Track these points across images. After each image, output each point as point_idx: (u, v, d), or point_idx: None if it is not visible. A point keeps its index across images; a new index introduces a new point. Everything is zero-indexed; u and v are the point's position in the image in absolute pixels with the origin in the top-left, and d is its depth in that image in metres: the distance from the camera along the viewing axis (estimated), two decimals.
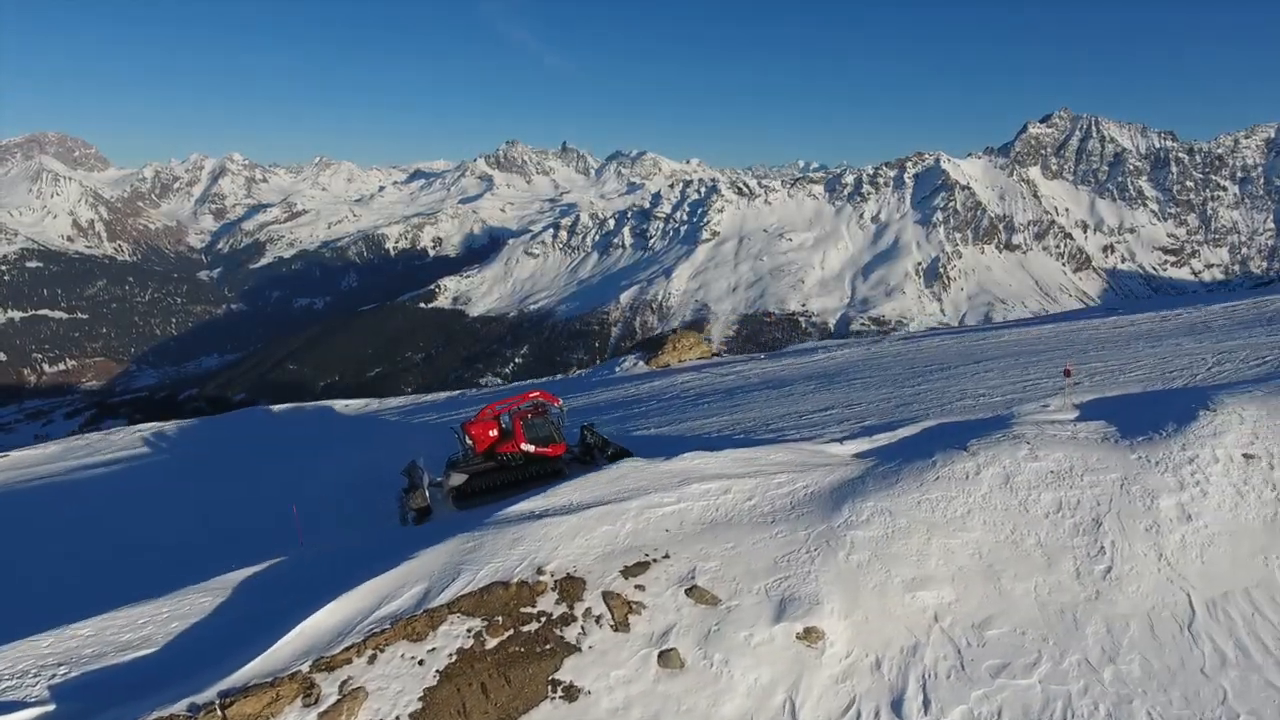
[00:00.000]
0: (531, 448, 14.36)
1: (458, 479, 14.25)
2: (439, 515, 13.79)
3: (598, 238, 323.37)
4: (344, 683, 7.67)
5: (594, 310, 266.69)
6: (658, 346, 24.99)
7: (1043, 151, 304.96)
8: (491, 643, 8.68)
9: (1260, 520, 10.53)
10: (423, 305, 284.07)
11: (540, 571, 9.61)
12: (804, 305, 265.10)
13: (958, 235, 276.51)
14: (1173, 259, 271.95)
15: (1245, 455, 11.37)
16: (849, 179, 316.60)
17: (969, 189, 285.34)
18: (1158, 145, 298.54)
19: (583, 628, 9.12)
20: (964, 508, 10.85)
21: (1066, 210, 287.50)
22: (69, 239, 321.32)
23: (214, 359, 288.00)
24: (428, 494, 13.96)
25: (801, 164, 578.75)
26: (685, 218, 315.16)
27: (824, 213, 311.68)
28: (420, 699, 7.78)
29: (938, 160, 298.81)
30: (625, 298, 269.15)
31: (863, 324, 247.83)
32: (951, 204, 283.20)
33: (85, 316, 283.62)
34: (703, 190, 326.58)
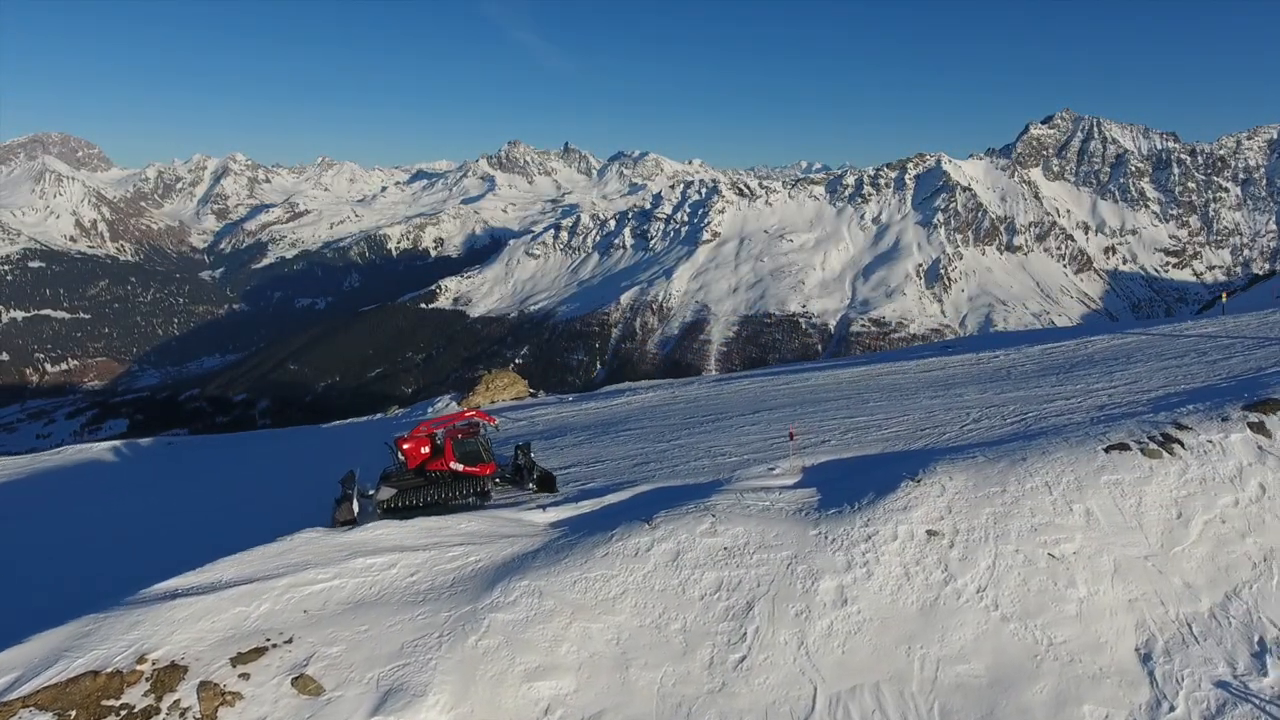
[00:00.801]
0: (460, 466, 14.68)
1: (386, 493, 14.71)
2: (367, 523, 13.80)
3: (599, 238, 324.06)
4: None
5: (594, 311, 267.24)
6: (472, 386, 24.66)
7: (1044, 152, 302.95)
8: None
9: (918, 605, 10.15)
10: (424, 306, 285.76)
11: (141, 659, 9.36)
12: (804, 306, 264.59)
13: (959, 236, 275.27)
14: (1174, 261, 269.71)
15: (929, 531, 10.98)
16: (850, 180, 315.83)
17: (970, 190, 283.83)
18: (1160, 146, 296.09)
19: None
20: (620, 588, 10.53)
21: (1068, 212, 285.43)
22: (72, 239, 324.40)
23: (216, 359, 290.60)
24: (356, 506, 14.14)
25: (804, 165, 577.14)
26: (686, 219, 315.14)
27: (825, 214, 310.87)
28: None
29: (939, 161, 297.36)
30: (626, 299, 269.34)
31: (863, 325, 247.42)
32: (953, 205, 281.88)
33: (88, 316, 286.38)
34: (704, 191, 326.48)
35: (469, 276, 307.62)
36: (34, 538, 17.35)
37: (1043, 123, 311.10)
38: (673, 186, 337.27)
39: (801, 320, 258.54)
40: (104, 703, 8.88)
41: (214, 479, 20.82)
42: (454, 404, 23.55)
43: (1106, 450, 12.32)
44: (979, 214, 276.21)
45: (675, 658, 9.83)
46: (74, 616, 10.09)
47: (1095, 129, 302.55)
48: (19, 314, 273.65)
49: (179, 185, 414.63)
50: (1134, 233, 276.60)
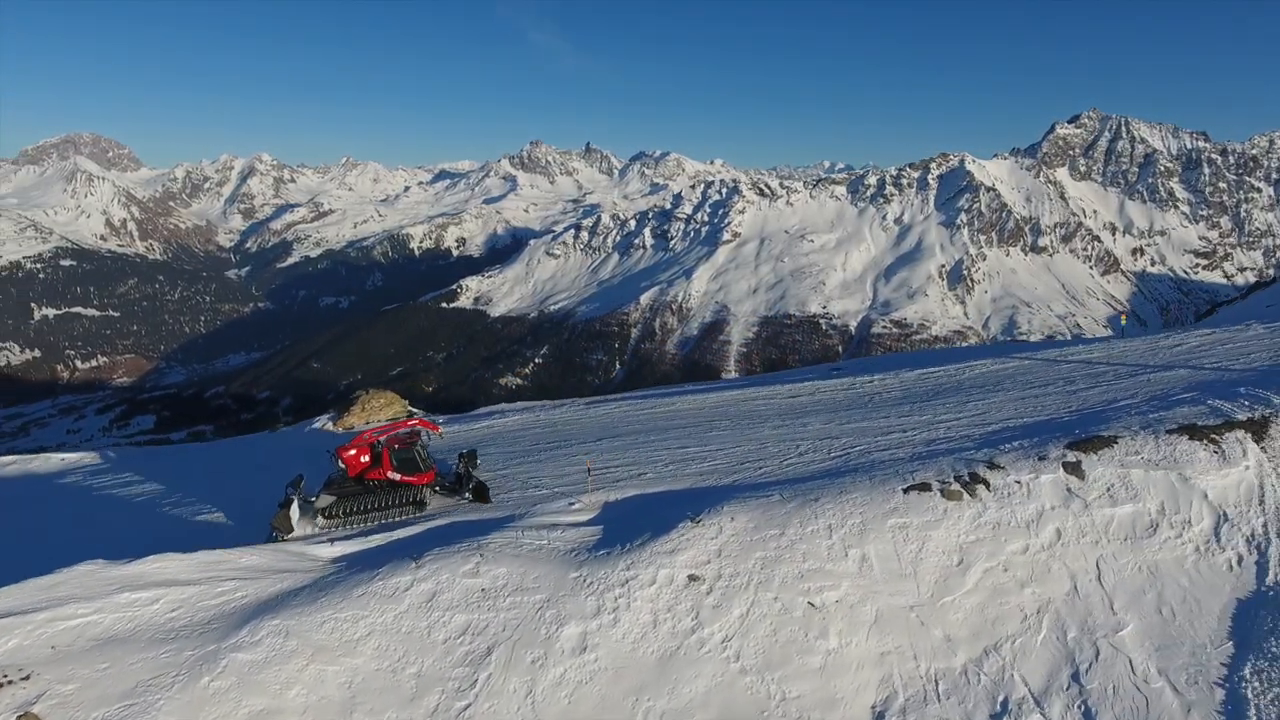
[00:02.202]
0: (397, 475, 15.00)
1: (325, 500, 15.06)
2: (303, 530, 14.75)
3: (619, 238, 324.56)
4: None
5: (614, 311, 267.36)
6: (349, 406, 24.59)
7: (1071, 152, 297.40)
8: None
9: (658, 655, 9.93)
10: (445, 305, 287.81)
11: None
12: (825, 308, 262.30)
13: (982, 237, 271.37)
14: (1204, 262, 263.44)
15: (691, 576, 10.75)
16: (872, 180, 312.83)
17: (994, 190, 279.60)
18: (1189, 146, 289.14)
19: None
20: (367, 629, 10.44)
21: (1095, 212, 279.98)
22: (102, 238, 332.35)
23: (241, 357, 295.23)
24: (296, 514, 14.54)
25: (826, 165, 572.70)
26: (706, 219, 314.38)
27: (846, 214, 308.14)
28: None
29: (962, 161, 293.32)
30: (645, 299, 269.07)
31: (884, 327, 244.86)
32: (976, 205, 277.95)
33: (116, 314, 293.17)
34: (724, 191, 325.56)
35: (490, 276, 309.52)
36: None
37: (1069, 122, 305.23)
38: (693, 186, 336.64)
39: (822, 321, 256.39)
40: None
41: (123, 496, 21.08)
42: (330, 424, 23.52)
43: (906, 491, 11.98)
44: (1003, 214, 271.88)
45: (402, 704, 9.72)
46: None
47: (1123, 128, 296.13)
48: (50, 311, 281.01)
49: (206, 185, 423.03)
50: (1163, 234, 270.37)
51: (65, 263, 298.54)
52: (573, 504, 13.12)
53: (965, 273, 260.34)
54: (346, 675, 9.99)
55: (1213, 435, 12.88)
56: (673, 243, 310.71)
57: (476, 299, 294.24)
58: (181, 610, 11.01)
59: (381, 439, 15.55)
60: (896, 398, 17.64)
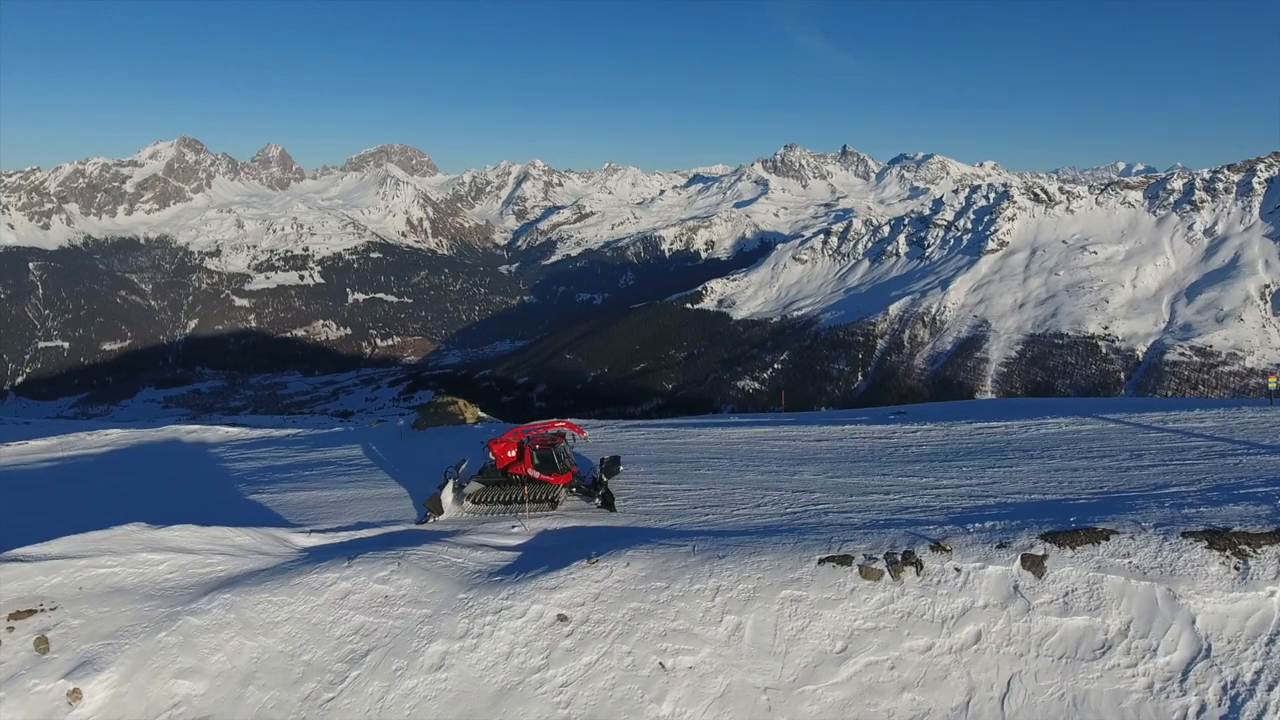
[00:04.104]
0: (536, 473, 16.03)
1: (474, 487, 16.65)
2: (452, 514, 16.27)
3: (870, 245, 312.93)
4: None
5: (860, 320, 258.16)
6: (427, 408, 26.20)
7: None
8: None
9: (499, 687, 10.28)
10: (689, 306, 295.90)
11: None
12: (1106, 328, 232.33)
13: None
14: None
15: (560, 616, 10.91)
16: (1177, 184, 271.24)
17: None
18: None
19: None
20: (287, 615, 11.91)
21: None
22: (402, 234, 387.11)
23: (507, 344, 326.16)
24: (449, 498, 16.19)
25: (1121, 166, 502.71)
26: (969, 226, 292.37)
27: (1140, 223, 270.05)
28: None
29: None
30: (895, 309, 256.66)
31: (1182, 354, 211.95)
32: None
33: (410, 301, 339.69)
34: (992, 196, 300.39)
35: (734, 279, 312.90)
36: (68, 490, 22.75)
37: None
38: (956, 191, 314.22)
39: (1101, 344, 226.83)
40: None
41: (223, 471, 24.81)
42: (407, 426, 25.72)
43: (821, 561, 11.01)
44: None
45: (288, 685, 11.01)
46: None
47: None
48: (360, 296, 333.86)
49: (488, 189, 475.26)
50: None
51: (374, 255, 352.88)
52: (514, 527, 13.66)
53: None
54: (257, 652, 11.51)
55: (1245, 545, 10.22)
56: (929, 251, 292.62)
57: (720, 301, 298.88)
58: (176, 574, 13.30)
59: (527, 437, 16.55)
60: (921, 453, 15.77)
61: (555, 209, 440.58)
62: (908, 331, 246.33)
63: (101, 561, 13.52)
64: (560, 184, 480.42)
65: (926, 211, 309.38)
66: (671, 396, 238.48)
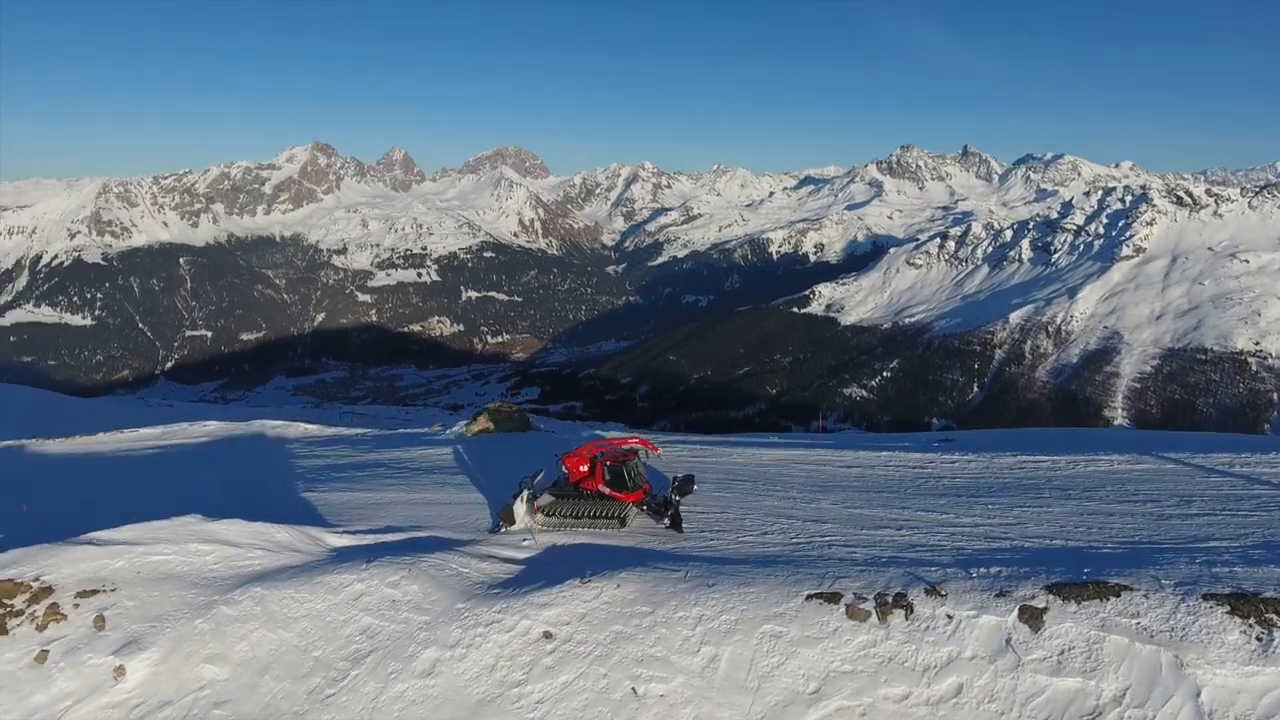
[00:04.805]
0: (606, 489, 15.95)
1: (546, 499, 16.63)
2: (523, 524, 16.31)
3: (990, 250, 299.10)
4: None
5: (976, 329, 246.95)
6: (478, 415, 26.62)
7: None
8: None
9: (479, 698, 10.66)
10: (795, 310, 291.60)
11: (36, 579, 14.22)
12: (1258, 344, 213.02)
13: None
14: None
15: (546, 633, 11.19)
16: None
17: None
18: None
19: (15, 621, 13.54)
20: (305, 611, 12.73)
21: None
22: (514, 235, 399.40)
23: (612, 344, 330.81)
24: (522, 509, 16.22)
25: None
26: (1101, 230, 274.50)
27: None
28: None
29: None
30: (1015, 318, 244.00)
31: None
32: None
33: (519, 299, 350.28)
34: (1128, 199, 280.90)
35: (844, 283, 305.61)
36: (153, 478, 24.82)
37: None
38: (1087, 193, 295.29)
39: (1252, 360, 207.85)
40: (2, 600, 13.85)
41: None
42: (464, 428, 26.41)
43: (809, 597, 10.78)
44: None
45: (298, 678, 11.78)
46: (77, 534, 15.47)
47: None
48: (473, 294, 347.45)
49: (597, 190, 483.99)
50: None
51: (487, 254, 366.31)
52: (524, 541, 14.01)
53: None
54: (275, 644, 12.36)
55: (1273, 614, 9.24)
56: (1055, 256, 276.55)
57: (828, 306, 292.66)
58: (220, 565, 14.43)
59: (600, 451, 16.43)
60: (951, 487, 14.93)
61: (663, 210, 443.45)
62: (1029, 342, 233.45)
63: (158, 549, 14.83)
64: (668, 186, 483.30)
65: (1054, 215, 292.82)
66: (775, 402, 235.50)
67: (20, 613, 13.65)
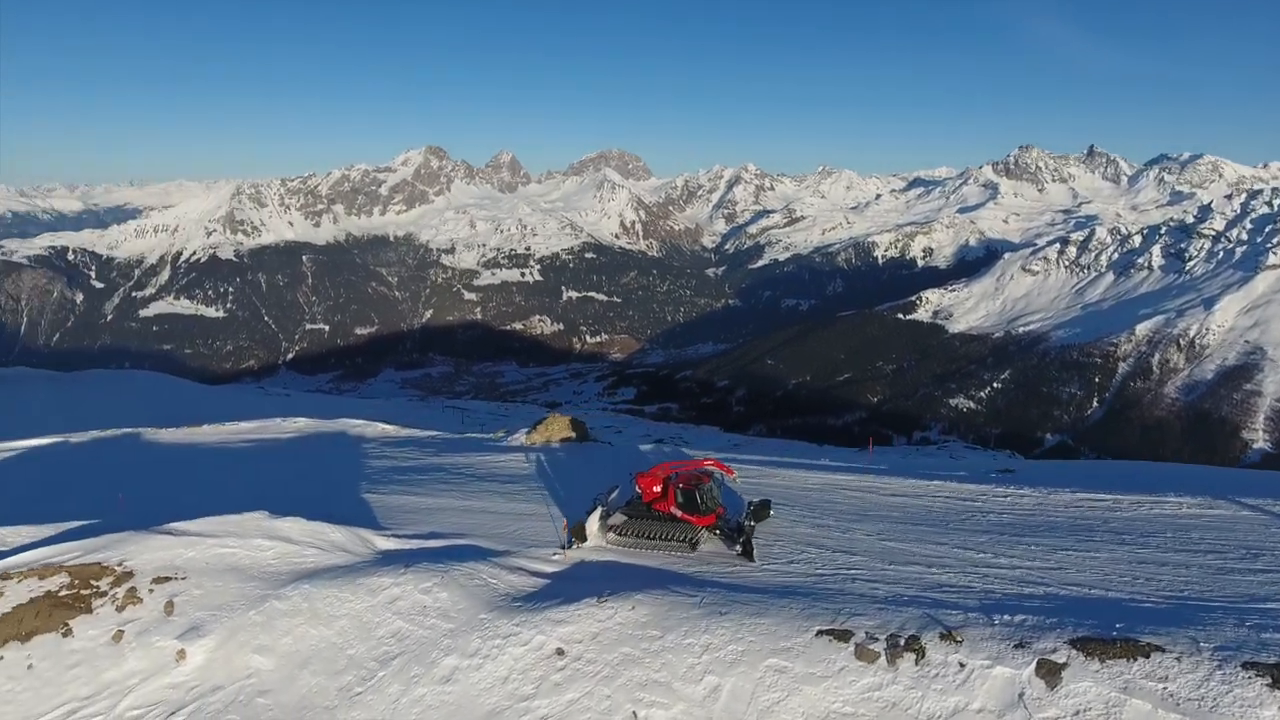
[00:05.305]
0: (678, 512, 15.58)
1: (618, 518, 16.35)
2: (595, 542, 16.14)
3: (1116, 256, 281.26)
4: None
5: (1098, 340, 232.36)
6: (537, 424, 26.63)
7: None
8: (58, 590, 15.08)
9: (490, 707, 11.04)
10: (900, 316, 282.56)
11: (120, 564, 15.62)
12: None
13: None
14: None
15: (559, 649, 11.44)
16: None
17: None
18: None
19: (99, 601, 14.91)
20: (346, 611, 13.48)
21: None
22: (616, 236, 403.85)
23: (709, 346, 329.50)
24: (594, 526, 16.09)
25: None
26: (1244, 237, 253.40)
27: None
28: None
29: None
30: (1143, 329, 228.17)
31: None
32: None
33: (619, 300, 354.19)
34: (1276, 203, 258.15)
35: (953, 289, 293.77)
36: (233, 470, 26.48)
37: None
38: (1229, 196, 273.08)
39: None
40: (90, 580, 15.25)
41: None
42: (522, 437, 26.74)
43: (820, 633, 10.56)
44: None
45: (332, 674, 12.48)
46: (155, 525, 16.93)
47: None
48: (574, 294, 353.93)
49: (699, 192, 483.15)
50: None
51: (588, 255, 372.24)
52: (555, 554, 14.27)
53: None
54: (316, 640, 13.11)
55: None
56: (1190, 264, 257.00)
57: (935, 312, 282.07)
58: (277, 560, 15.41)
59: (674, 473, 16.22)
60: (996, 523, 14.02)
61: (765, 213, 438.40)
62: (1157, 355, 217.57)
63: (226, 542, 15.99)
64: (771, 188, 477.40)
65: (1189, 219, 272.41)
66: (876, 410, 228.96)
67: (104, 594, 15.02)
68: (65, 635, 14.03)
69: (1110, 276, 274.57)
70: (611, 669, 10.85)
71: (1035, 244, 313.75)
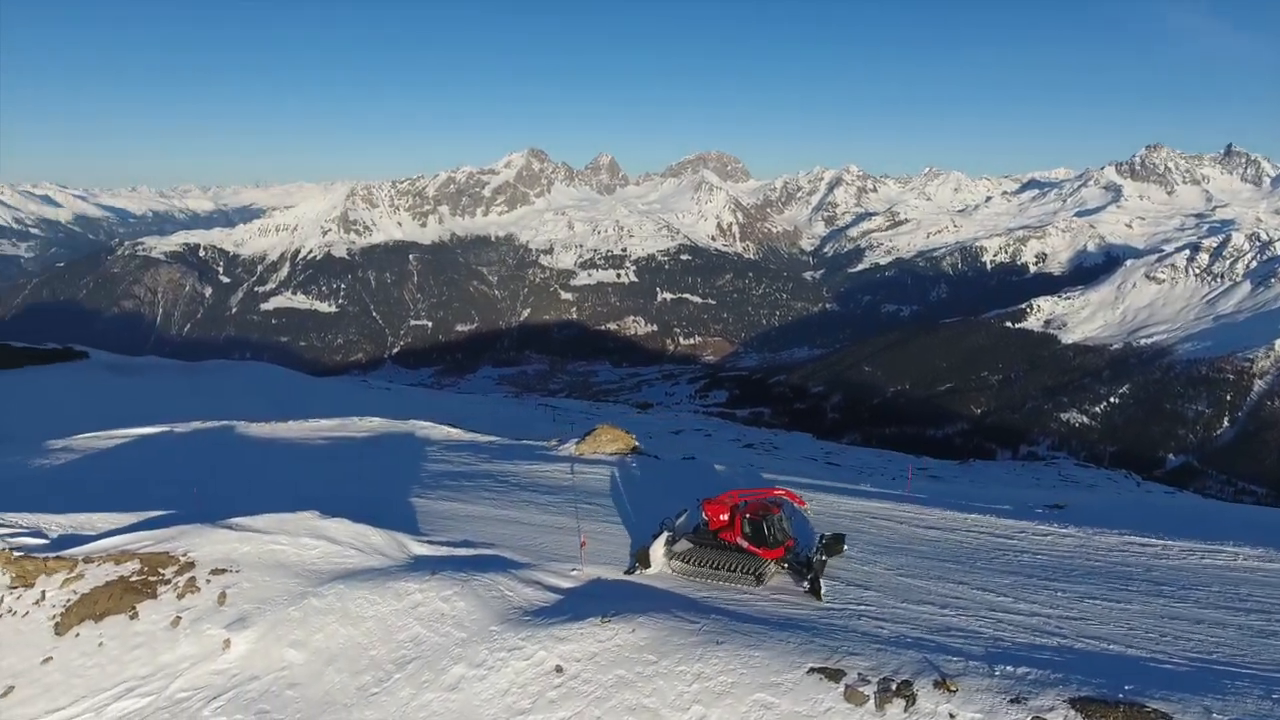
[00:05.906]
0: (745, 543, 14.82)
1: (683, 545, 15.66)
2: (659, 569, 15.60)
3: (1255, 264, 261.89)
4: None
5: (1230, 355, 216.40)
6: (587, 435, 26.42)
7: None
8: (130, 575, 16.47)
9: (488, 718, 11.31)
10: (1009, 324, 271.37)
11: (185, 554, 16.90)
12: None
13: None
14: None
15: (558, 666, 11.67)
16: None
17: None
18: None
19: (163, 588, 16.19)
20: (374, 612, 14.15)
21: None
22: (712, 238, 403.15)
23: (804, 351, 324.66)
24: (659, 552, 15.57)
25: None
26: None
27: None
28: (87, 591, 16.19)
29: None
30: None
31: None
32: None
33: (713, 302, 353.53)
34: None
35: (1067, 297, 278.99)
36: (303, 469, 27.92)
37: None
38: None
39: None
40: (158, 568, 16.57)
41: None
42: (574, 447, 26.84)
43: (811, 670, 10.35)
44: None
45: (354, 672, 13.15)
46: (220, 518, 18.26)
47: None
48: (668, 295, 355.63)
49: (798, 194, 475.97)
50: None
51: (683, 257, 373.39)
52: (572, 570, 14.49)
53: None
54: (344, 639, 13.84)
55: None
56: None
57: (1047, 321, 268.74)
58: (320, 560, 16.31)
59: (743, 500, 15.55)
60: (1028, 564, 13.11)
61: (866, 215, 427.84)
62: None
63: (278, 539, 17.04)
64: (874, 190, 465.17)
65: None
66: (979, 423, 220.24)
67: (168, 581, 16.30)
68: (132, 618, 15.30)
69: (1247, 286, 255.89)
70: (605, 690, 10.99)
71: (1162, 250, 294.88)
